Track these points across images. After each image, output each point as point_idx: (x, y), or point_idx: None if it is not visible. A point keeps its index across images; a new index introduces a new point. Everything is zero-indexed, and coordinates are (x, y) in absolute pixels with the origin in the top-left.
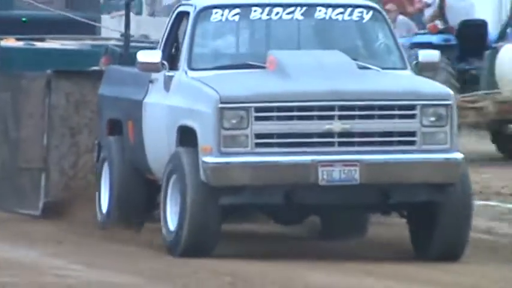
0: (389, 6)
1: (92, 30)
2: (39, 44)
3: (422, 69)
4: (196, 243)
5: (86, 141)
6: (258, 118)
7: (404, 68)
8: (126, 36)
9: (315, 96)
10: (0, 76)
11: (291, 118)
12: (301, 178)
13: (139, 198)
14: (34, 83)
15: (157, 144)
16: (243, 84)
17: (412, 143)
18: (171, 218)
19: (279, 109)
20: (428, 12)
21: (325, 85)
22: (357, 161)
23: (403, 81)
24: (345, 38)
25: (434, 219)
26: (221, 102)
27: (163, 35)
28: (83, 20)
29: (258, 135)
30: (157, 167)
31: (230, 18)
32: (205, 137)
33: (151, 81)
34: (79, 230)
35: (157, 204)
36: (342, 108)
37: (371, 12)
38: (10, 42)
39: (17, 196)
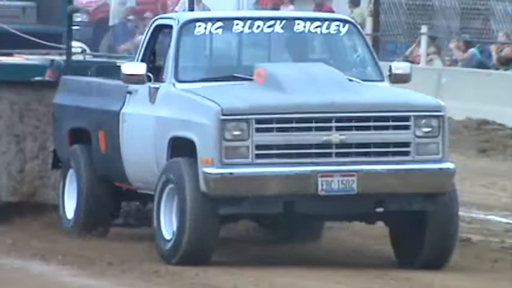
0: (147, 14)
1: (59, 43)
2: (2, 59)
3: (395, 80)
4: (194, 252)
5: (31, 148)
6: (258, 130)
7: (382, 80)
8: (67, 48)
9: (313, 108)
10: None
11: (290, 130)
12: (301, 188)
13: (107, 204)
14: None
15: (140, 154)
16: (241, 96)
17: (406, 153)
18: (166, 227)
19: (279, 121)
20: None
21: (322, 97)
22: (355, 171)
23: (394, 93)
24: (324, 51)
25: (422, 227)
26: (223, 114)
27: (141, 48)
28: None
29: (259, 147)
30: (137, 176)
31: (213, 32)
32: (206, 148)
33: (129, 93)
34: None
35: (122, 211)
36: (339, 119)
37: (347, 26)
38: None
39: None
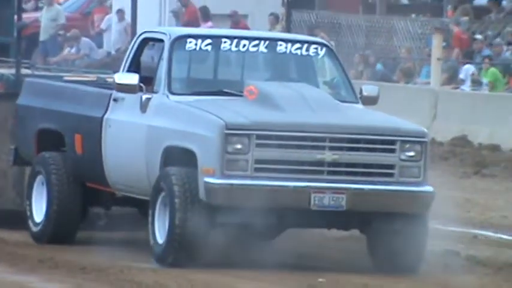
0: (73, 30)
1: (7, 54)
2: None
3: (365, 102)
4: (185, 256)
5: None
6: (258, 145)
7: (357, 102)
8: (16, 62)
9: (309, 128)
10: None
11: (287, 147)
12: (294, 202)
13: (77, 208)
14: None
15: (126, 159)
16: (241, 112)
17: (390, 175)
18: (159, 232)
19: (277, 138)
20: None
21: (317, 118)
22: (345, 189)
23: (382, 117)
24: (304, 71)
25: (397, 239)
26: (227, 129)
27: (126, 59)
28: None
29: (258, 161)
30: (119, 179)
31: (203, 48)
32: (208, 160)
33: (115, 100)
34: None
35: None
36: (333, 140)
37: (324, 49)
38: None
39: None
